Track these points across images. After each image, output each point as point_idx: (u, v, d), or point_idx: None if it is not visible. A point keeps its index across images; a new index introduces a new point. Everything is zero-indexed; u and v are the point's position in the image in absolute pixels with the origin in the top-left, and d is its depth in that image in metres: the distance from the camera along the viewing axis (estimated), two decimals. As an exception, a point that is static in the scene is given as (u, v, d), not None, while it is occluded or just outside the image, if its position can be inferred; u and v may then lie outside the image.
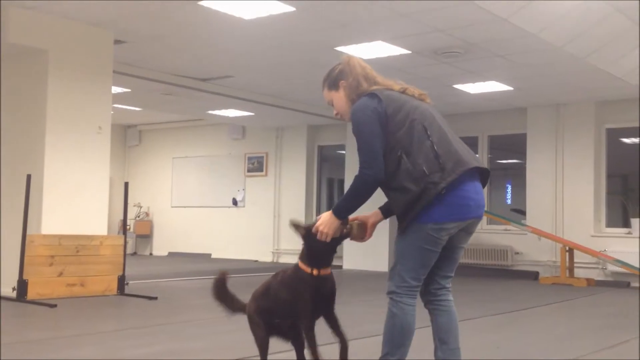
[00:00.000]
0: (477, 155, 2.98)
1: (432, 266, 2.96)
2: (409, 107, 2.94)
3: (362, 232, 3.11)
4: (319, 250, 3.06)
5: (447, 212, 2.82)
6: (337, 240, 3.06)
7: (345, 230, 3.04)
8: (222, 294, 3.46)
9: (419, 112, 2.93)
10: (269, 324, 3.27)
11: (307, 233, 3.09)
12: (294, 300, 3.12)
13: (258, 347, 3.29)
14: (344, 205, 2.93)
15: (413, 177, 2.81)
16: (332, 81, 3.12)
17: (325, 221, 2.97)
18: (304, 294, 3.08)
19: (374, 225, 3.15)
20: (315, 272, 3.08)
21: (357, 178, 2.87)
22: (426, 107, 3.01)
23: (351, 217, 3.06)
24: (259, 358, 3.32)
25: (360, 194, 2.88)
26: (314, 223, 3.07)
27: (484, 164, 2.61)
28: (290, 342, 3.39)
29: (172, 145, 15.14)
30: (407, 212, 2.85)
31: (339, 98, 3.10)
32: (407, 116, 2.90)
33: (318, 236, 2.99)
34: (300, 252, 3.18)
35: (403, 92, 3.04)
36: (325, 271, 3.11)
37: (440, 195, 2.80)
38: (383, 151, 2.87)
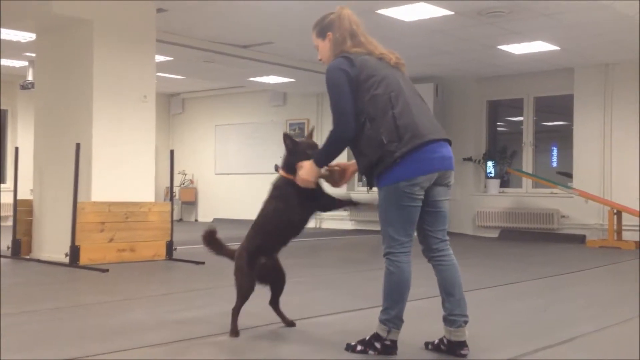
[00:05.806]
0: (439, 127, 3.20)
1: (423, 225, 3.18)
2: (380, 76, 3.12)
3: (340, 178, 3.45)
4: (294, 165, 3.43)
5: (415, 168, 3.04)
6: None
7: (324, 172, 3.38)
8: (212, 240, 3.85)
9: (388, 82, 3.11)
10: (254, 267, 3.57)
11: (294, 147, 3.50)
12: (283, 202, 3.49)
13: (241, 294, 3.58)
14: (321, 157, 3.28)
15: (372, 144, 3.06)
16: (321, 30, 3.35)
17: (307, 170, 3.30)
18: (291, 194, 3.44)
19: (352, 173, 3.46)
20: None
21: (330, 134, 3.17)
22: (397, 77, 3.17)
23: (333, 163, 3.38)
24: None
25: (332, 148, 3.21)
26: (303, 140, 3.57)
27: (446, 134, 2.98)
28: (269, 287, 3.75)
29: (215, 113, 15.24)
30: (368, 174, 3.16)
31: (324, 47, 3.35)
32: (376, 85, 3.09)
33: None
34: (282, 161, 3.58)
35: (380, 58, 3.20)
36: None
37: (400, 159, 3.02)
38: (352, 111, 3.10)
